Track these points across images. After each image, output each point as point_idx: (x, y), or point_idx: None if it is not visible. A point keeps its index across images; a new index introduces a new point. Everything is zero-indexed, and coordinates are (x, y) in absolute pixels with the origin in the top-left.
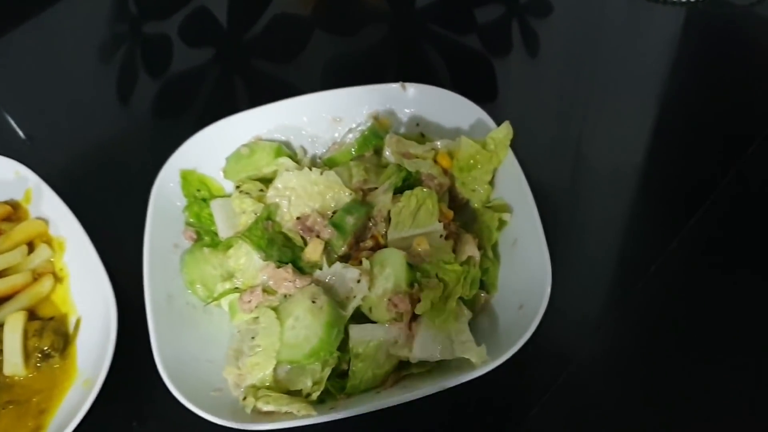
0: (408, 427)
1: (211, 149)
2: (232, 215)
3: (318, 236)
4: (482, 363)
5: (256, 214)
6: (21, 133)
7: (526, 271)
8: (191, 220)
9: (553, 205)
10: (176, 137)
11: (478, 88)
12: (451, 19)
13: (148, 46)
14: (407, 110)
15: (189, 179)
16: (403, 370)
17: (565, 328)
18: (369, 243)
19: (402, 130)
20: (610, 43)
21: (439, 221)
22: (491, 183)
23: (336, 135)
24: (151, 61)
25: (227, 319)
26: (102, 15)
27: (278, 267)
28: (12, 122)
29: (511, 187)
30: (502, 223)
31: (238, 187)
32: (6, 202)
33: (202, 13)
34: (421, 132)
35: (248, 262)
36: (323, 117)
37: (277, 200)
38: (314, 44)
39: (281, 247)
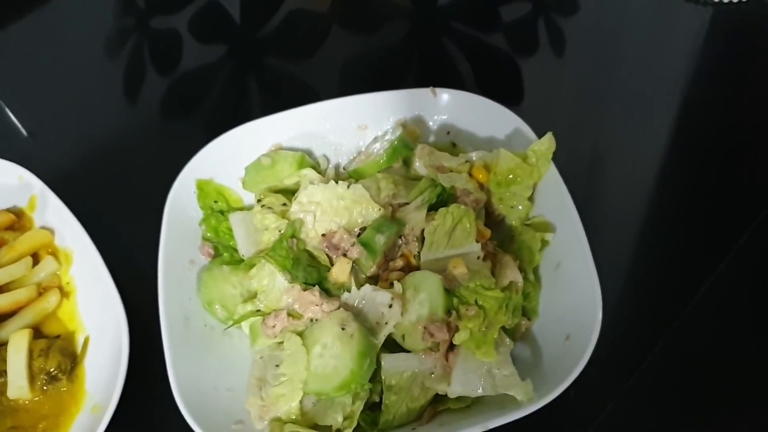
0: None
1: (229, 158)
2: (253, 230)
3: (345, 255)
4: (528, 401)
5: (279, 231)
6: (24, 132)
7: (572, 297)
8: (209, 234)
9: (597, 223)
10: (187, 140)
11: (503, 89)
12: (476, 17)
13: (157, 42)
14: (437, 117)
15: (205, 190)
16: (439, 404)
17: (610, 357)
18: (399, 263)
19: (432, 138)
20: (639, 42)
21: (477, 241)
22: (531, 199)
23: (361, 143)
24: (159, 59)
25: (248, 342)
26: (106, 8)
27: (304, 289)
28: (14, 120)
29: (553, 203)
30: (544, 244)
31: (259, 200)
32: (9, 210)
33: (213, 7)
34: (452, 141)
35: (272, 283)
36: (348, 124)
37: (301, 216)
38: (332, 42)
39: (306, 267)
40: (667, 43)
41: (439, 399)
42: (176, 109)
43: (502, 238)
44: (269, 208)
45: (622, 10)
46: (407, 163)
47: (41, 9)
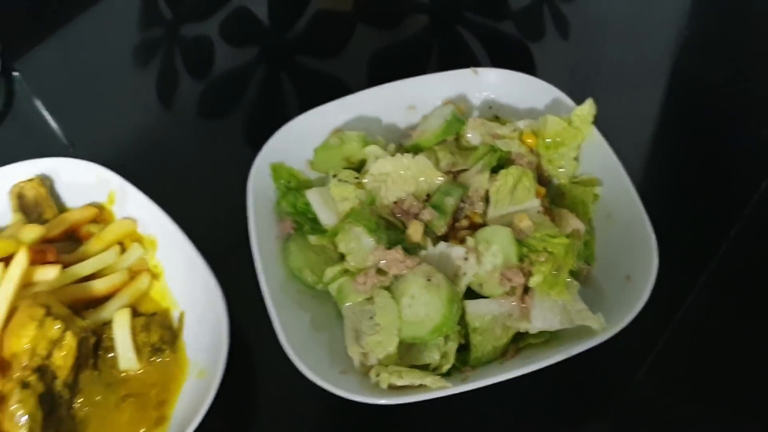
0: (528, 394)
1: (294, 143)
2: (330, 202)
3: (417, 218)
4: (602, 330)
5: (359, 200)
6: (64, 139)
7: (626, 242)
8: (288, 210)
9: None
10: (230, 135)
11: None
12: (486, 6)
13: (188, 48)
14: (479, 94)
15: (279, 172)
16: (519, 342)
17: (663, 292)
18: (464, 223)
19: (475, 114)
20: (631, 22)
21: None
22: (576, 159)
23: (411, 122)
24: (192, 63)
25: (332, 302)
26: (131, 21)
27: (388, 248)
28: (56, 127)
29: (597, 161)
30: (594, 197)
31: (334, 175)
32: (90, 205)
33: (242, 12)
34: (495, 114)
35: (358, 246)
36: (398, 106)
37: (374, 186)
38: (357, 39)
39: (386, 230)
40: (657, 20)
41: (519, 337)
42: (214, 110)
43: (553, 196)
44: (345, 181)
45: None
46: (458, 135)
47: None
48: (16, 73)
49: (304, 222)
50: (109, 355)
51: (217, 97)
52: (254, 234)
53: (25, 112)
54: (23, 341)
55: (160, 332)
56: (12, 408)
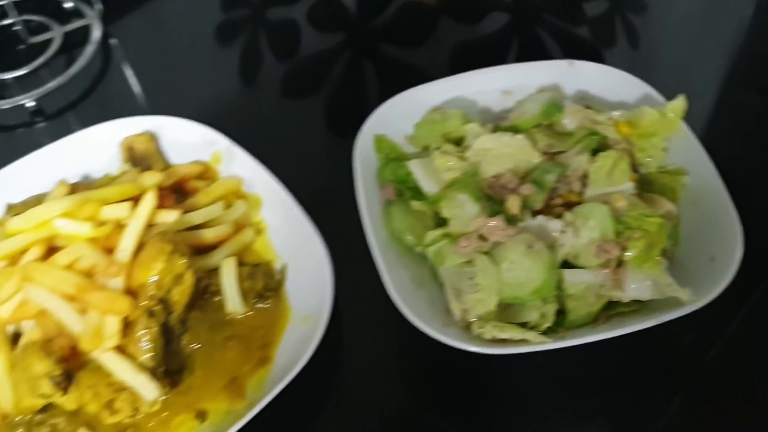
0: (613, 361)
1: (394, 118)
2: (432, 172)
3: (514, 192)
4: (691, 302)
5: (462, 171)
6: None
7: (711, 226)
8: (390, 177)
9: None
10: (311, 115)
11: None
12: (564, 10)
13: (274, 30)
14: (572, 85)
15: (381, 143)
16: (610, 310)
17: (741, 272)
18: (558, 201)
19: (568, 103)
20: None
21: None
22: (664, 149)
23: (505, 106)
24: (277, 44)
25: (427, 265)
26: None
27: (490, 216)
28: (145, 94)
29: (685, 153)
30: (682, 186)
31: (437, 148)
32: (196, 162)
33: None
34: (587, 105)
35: (461, 212)
36: (494, 90)
37: (476, 160)
38: (441, 31)
39: (486, 200)
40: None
41: (610, 306)
42: (297, 90)
43: (641, 183)
44: (449, 153)
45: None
46: (552, 121)
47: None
48: (113, 40)
49: (404, 189)
50: (215, 298)
51: (300, 78)
52: (362, 197)
53: (120, 76)
54: (152, 273)
55: (264, 281)
56: (138, 334)
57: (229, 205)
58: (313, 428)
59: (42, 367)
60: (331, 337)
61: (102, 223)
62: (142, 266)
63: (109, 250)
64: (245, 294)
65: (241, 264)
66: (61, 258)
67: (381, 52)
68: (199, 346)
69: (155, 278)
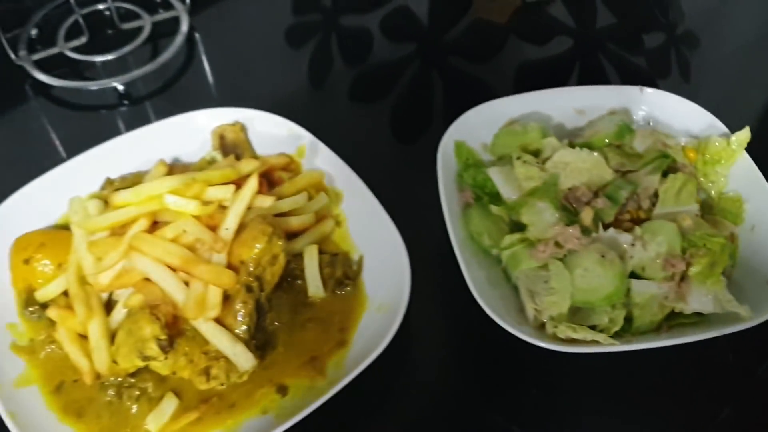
0: (674, 365)
1: (473, 126)
2: (512, 180)
3: (588, 205)
4: (749, 318)
5: (542, 180)
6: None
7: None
8: (469, 182)
9: None
10: (377, 120)
11: None
12: (625, 40)
13: (345, 37)
14: (641, 110)
15: (461, 149)
16: (671, 320)
17: None
18: (626, 216)
19: (635, 127)
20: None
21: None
22: (725, 177)
23: (577, 125)
24: (349, 50)
25: (499, 267)
26: (285, 6)
27: (566, 225)
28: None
29: (745, 181)
30: (742, 211)
31: (518, 158)
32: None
33: (403, 11)
34: (652, 130)
35: (539, 219)
36: (567, 108)
37: (555, 172)
38: (507, 49)
39: (561, 210)
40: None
41: (671, 317)
42: (364, 95)
43: (702, 207)
44: (529, 163)
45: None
46: (622, 142)
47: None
48: (196, 33)
49: (482, 194)
50: (297, 282)
51: (369, 84)
52: (444, 199)
53: (201, 68)
54: (253, 251)
55: (342, 269)
56: (236, 307)
57: (311, 197)
58: (386, 410)
59: (151, 330)
60: (404, 325)
61: (206, 203)
62: (244, 245)
63: (211, 228)
64: (325, 280)
65: (321, 252)
66: (167, 231)
67: (450, 65)
68: (281, 324)
69: (254, 257)
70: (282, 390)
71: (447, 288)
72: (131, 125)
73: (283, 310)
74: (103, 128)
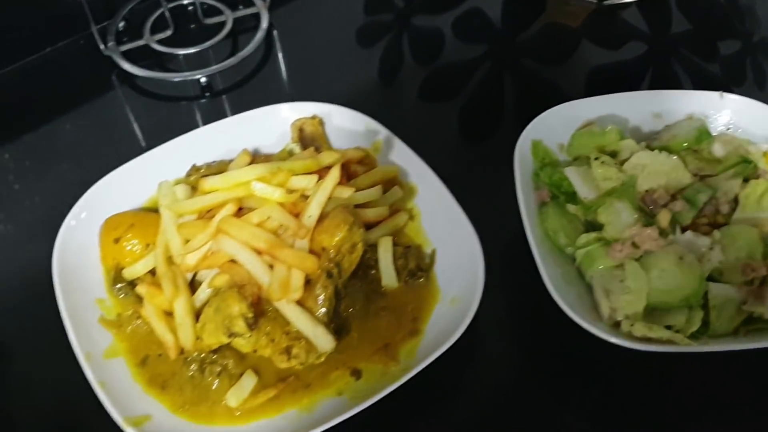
0: (749, 370)
1: (549, 126)
2: (589, 180)
3: (665, 207)
4: None
5: (621, 181)
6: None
7: None
8: (545, 181)
9: None
10: (446, 119)
11: None
12: (699, 47)
13: (417, 36)
14: (720, 116)
15: (537, 148)
16: (749, 325)
17: None
18: (704, 220)
19: (714, 132)
20: None
21: None
22: None
23: (654, 128)
24: (420, 50)
25: (572, 265)
26: (357, 5)
27: (644, 226)
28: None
29: None
30: None
31: (596, 158)
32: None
33: (476, 12)
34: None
35: (617, 219)
36: (645, 112)
37: (633, 173)
38: (580, 53)
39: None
40: None
41: (749, 321)
42: (435, 94)
43: None
44: (607, 164)
45: None
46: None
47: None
48: (274, 30)
49: (558, 193)
50: (371, 271)
51: (439, 84)
52: (521, 196)
53: (278, 64)
54: (334, 239)
55: (415, 261)
56: (317, 291)
57: (385, 191)
58: (454, 400)
59: (239, 308)
60: (476, 318)
61: (290, 191)
62: (326, 232)
63: (294, 215)
64: (398, 271)
65: (394, 244)
66: (253, 216)
67: (521, 67)
68: (355, 311)
69: (335, 244)
70: (356, 373)
71: (519, 284)
72: (210, 117)
73: (358, 297)
74: (183, 119)
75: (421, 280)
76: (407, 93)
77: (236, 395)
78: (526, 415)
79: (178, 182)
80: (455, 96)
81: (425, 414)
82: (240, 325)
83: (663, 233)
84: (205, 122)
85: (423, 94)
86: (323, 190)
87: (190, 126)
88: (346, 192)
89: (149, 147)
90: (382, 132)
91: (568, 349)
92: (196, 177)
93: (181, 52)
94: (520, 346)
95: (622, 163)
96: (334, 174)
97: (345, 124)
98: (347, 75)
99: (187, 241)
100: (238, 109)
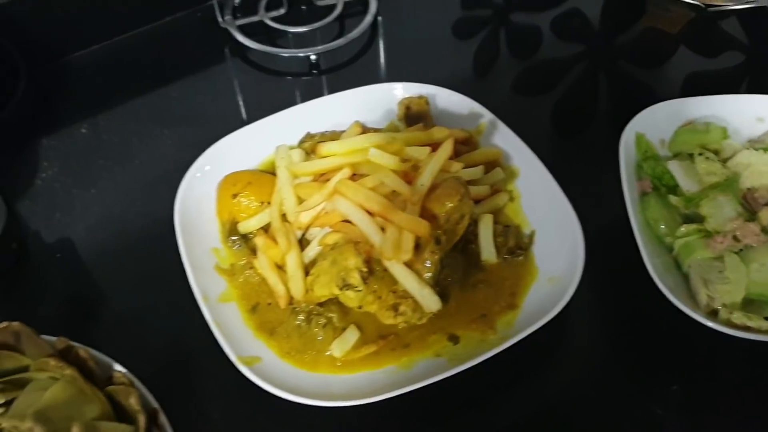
0: None
1: (652, 122)
2: (691, 174)
3: (766, 206)
4: None
5: (724, 176)
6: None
7: None
8: (648, 172)
9: None
10: (540, 112)
11: None
12: None
13: (514, 31)
14: None
15: (641, 141)
16: None
17: None
18: None
19: None
20: None
21: None
22: None
23: (754, 132)
24: (516, 45)
25: (668, 255)
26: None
27: (746, 221)
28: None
29: None
30: None
31: (700, 154)
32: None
33: (575, 12)
34: None
35: (719, 212)
36: (748, 115)
37: (737, 171)
38: (677, 59)
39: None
40: None
41: None
42: (528, 89)
43: None
44: (711, 160)
45: None
46: None
47: None
48: (379, 17)
49: (660, 185)
50: (471, 246)
51: (534, 79)
52: (626, 185)
53: (379, 47)
54: (445, 208)
55: (515, 240)
56: (425, 255)
57: (486, 172)
58: (545, 374)
59: (355, 261)
60: (572, 298)
61: (404, 160)
62: (437, 201)
63: (407, 183)
64: (497, 248)
65: (494, 222)
66: (368, 181)
67: (617, 67)
68: (454, 281)
69: (445, 213)
70: (453, 338)
71: (616, 269)
72: (314, 93)
73: (457, 268)
74: (290, 92)
75: (520, 258)
76: (501, 86)
77: (340, 346)
78: (613, 397)
79: (292, 147)
80: (550, 91)
81: (517, 385)
82: (355, 278)
83: (764, 230)
84: (310, 97)
85: (517, 88)
86: (436, 161)
87: (297, 100)
88: (455, 166)
89: (258, 116)
90: (487, 115)
91: (662, 335)
92: (311, 143)
93: (292, 30)
94: (615, 328)
95: (724, 161)
96: (447, 146)
97: (449, 107)
98: (443, 65)
99: (301, 200)
100: (340, 87)
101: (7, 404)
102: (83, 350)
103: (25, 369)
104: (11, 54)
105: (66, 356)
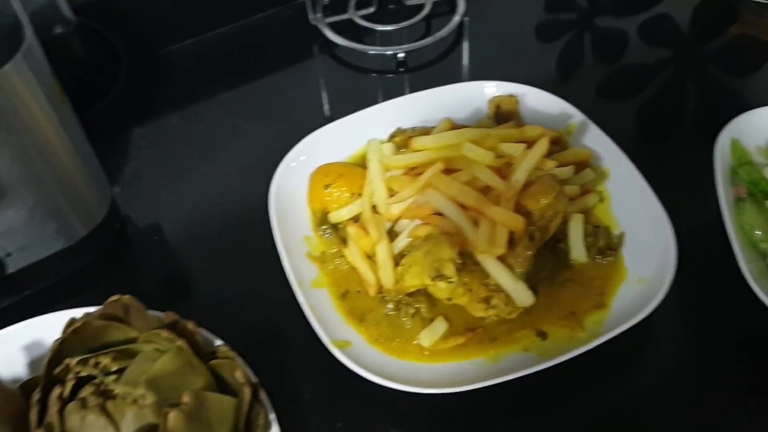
0: None
1: (748, 128)
2: None
3: None
4: None
5: None
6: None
7: None
8: (744, 178)
9: None
10: (623, 115)
11: None
12: None
13: (600, 35)
14: None
15: (736, 146)
16: None
17: None
18: None
19: None
20: None
21: None
22: None
23: None
24: (600, 49)
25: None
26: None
27: None
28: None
29: None
30: None
31: None
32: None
33: (664, 18)
34: None
35: None
36: None
37: None
38: None
39: None
40: None
41: None
42: (612, 91)
43: None
44: None
45: None
46: None
47: None
48: (466, 18)
49: (756, 191)
50: (560, 244)
51: (619, 83)
52: (721, 190)
53: (465, 47)
54: (539, 205)
55: (604, 240)
56: (518, 250)
57: (577, 172)
58: (633, 373)
59: (449, 253)
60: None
61: (498, 156)
62: (532, 197)
63: (501, 178)
64: (587, 248)
65: (584, 222)
66: (462, 175)
67: (707, 74)
68: (543, 279)
69: (539, 210)
70: (541, 335)
71: (708, 273)
72: (399, 91)
73: (546, 265)
74: (377, 89)
75: (610, 258)
76: (585, 88)
77: (429, 336)
78: (697, 401)
79: (383, 142)
80: (636, 95)
81: (601, 384)
82: (449, 268)
83: None
84: (396, 95)
85: (602, 91)
86: (531, 157)
87: (382, 96)
88: (549, 164)
89: (345, 112)
90: (577, 116)
91: (754, 342)
92: (401, 138)
93: (380, 28)
94: (704, 332)
95: None
96: (543, 144)
97: (539, 106)
98: (526, 66)
99: (391, 193)
100: (425, 85)
101: (119, 372)
102: (191, 324)
103: (133, 341)
104: (114, 46)
105: (173, 330)
